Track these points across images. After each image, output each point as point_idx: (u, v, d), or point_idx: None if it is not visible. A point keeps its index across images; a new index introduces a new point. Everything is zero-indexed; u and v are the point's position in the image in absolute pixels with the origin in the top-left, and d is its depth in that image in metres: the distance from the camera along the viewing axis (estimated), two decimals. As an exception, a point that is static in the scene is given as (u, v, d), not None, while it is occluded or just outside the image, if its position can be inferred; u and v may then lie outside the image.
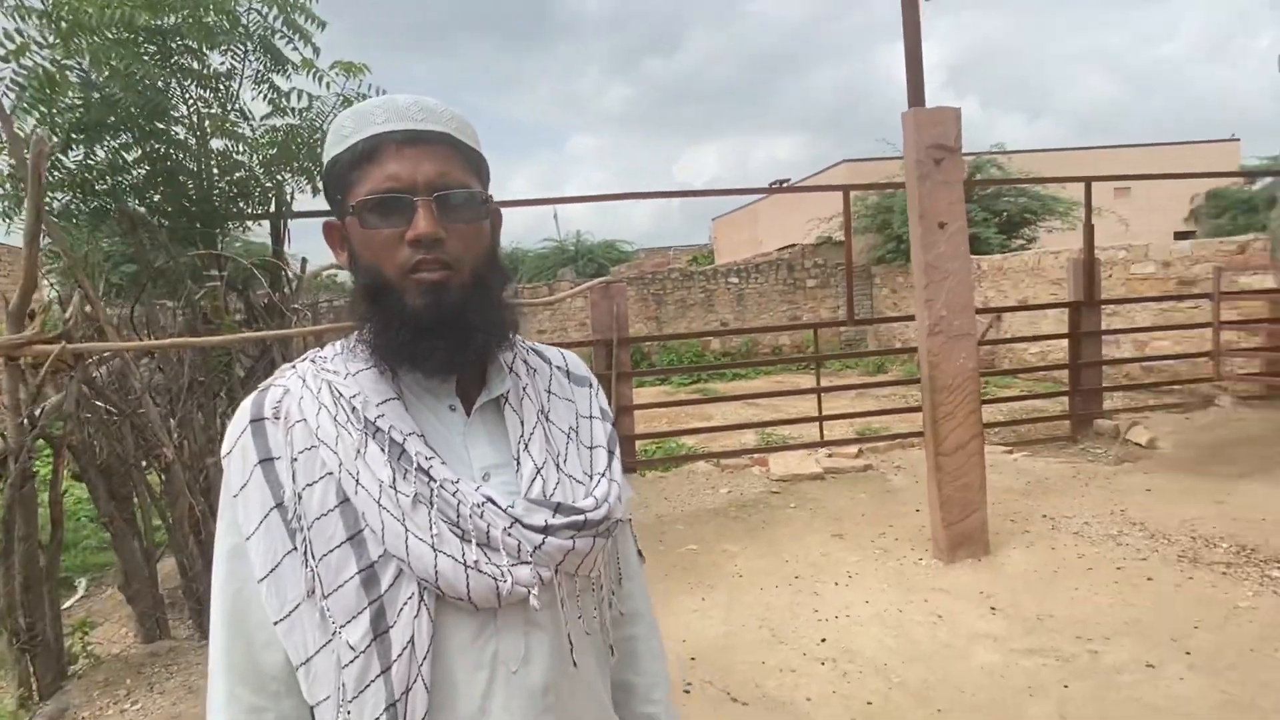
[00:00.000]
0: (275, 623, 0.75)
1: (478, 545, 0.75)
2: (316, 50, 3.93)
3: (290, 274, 4.26)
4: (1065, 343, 7.14)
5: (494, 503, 0.77)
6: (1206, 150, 21.86)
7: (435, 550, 0.74)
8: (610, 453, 0.91)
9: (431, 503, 0.75)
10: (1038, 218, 14.96)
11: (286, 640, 0.75)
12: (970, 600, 3.54)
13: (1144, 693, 2.71)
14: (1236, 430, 6.31)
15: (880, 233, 15.24)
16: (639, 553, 1.01)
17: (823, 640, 3.25)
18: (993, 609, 3.43)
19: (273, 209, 4.35)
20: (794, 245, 16.69)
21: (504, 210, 0.92)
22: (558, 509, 0.80)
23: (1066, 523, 4.43)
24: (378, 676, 0.73)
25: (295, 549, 0.75)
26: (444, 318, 0.78)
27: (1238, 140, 22.50)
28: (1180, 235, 18.09)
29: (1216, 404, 7.29)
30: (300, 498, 0.76)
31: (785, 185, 18.16)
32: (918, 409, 4.38)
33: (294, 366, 0.85)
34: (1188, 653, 2.94)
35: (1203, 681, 2.74)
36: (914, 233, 4.03)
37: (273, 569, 0.75)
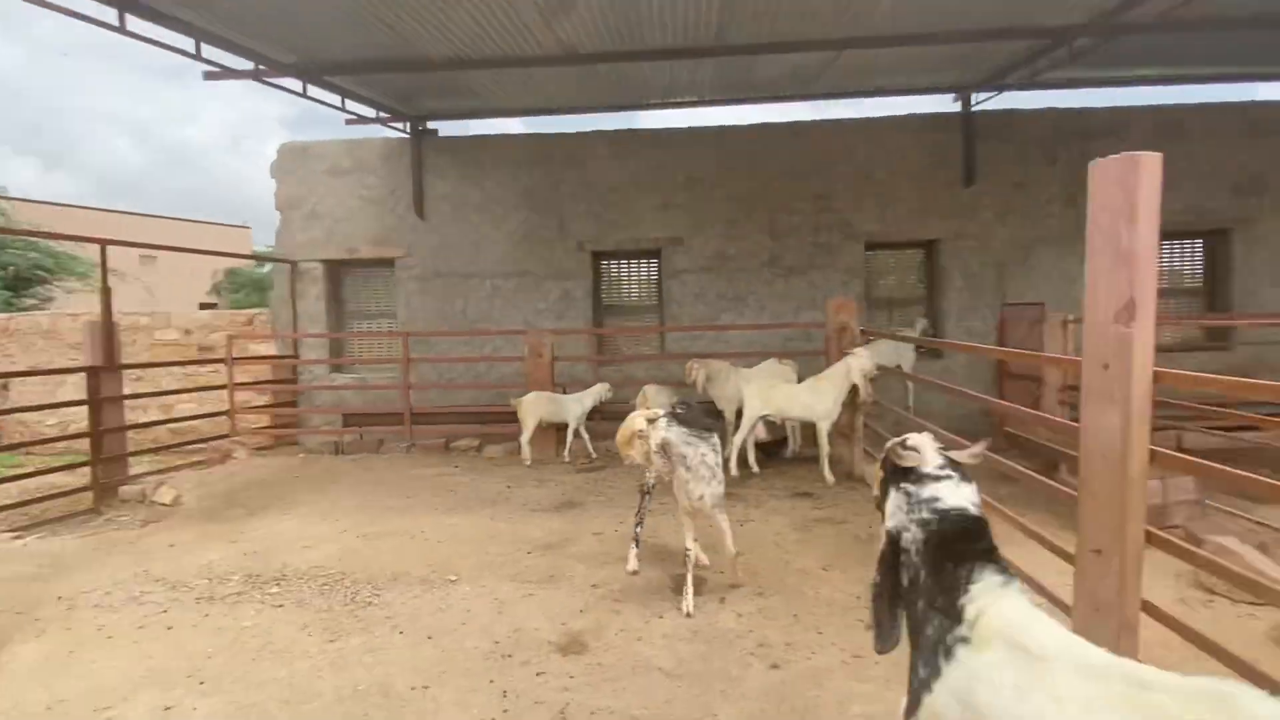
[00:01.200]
0: None
1: None
2: None
3: None
4: (86, 410, 6.77)
5: None
6: (227, 232, 24.59)
7: None
8: None
9: None
10: (53, 276, 13.70)
11: None
12: (-42, 722, 2.94)
13: (161, 736, 2.83)
14: (250, 477, 7.28)
15: None
16: None
17: None
18: (-10, 721, 2.95)
19: None
20: None
21: None
22: None
23: (86, 598, 4.19)
24: None
25: None
26: None
27: (249, 228, 26.21)
28: (206, 305, 19.61)
29: (234, 456, 8.24)
30: None
31: None
32: None
33: None
34: (201, 682, 3.23)
35: (214, 701, 3.06)
36: None
37: None
